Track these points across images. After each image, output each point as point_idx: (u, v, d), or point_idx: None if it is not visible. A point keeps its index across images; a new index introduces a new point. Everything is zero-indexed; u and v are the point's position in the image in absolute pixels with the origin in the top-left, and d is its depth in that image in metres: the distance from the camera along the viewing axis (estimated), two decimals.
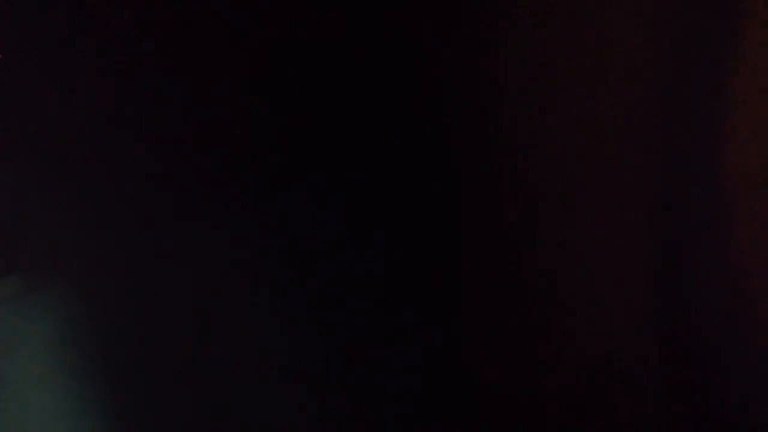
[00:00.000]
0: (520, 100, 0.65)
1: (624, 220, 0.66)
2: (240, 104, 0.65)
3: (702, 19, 0.66)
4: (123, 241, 0.65)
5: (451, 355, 0.66)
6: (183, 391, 0.66)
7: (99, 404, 0.66)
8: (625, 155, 0.66)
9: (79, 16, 0.64)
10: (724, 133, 0.66)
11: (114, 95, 0.64)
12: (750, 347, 0.66)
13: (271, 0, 0.64)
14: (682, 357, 0.67)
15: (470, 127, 0.65)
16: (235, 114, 0.65)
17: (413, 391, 0.66)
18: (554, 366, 0.66)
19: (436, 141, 0.65)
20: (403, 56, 0.64)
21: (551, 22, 0.65)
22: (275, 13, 0.64)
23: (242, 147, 0.65)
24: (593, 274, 0.66)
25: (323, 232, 0.65)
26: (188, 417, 0.66)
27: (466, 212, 0.66)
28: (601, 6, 0.65)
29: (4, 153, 0.66)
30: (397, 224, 0.65)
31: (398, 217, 0.65)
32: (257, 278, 0.65)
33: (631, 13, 0.65)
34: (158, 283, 0.65)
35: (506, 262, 0.66)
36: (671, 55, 0.66)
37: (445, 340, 0.66)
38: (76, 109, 0.65)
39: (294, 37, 0.64)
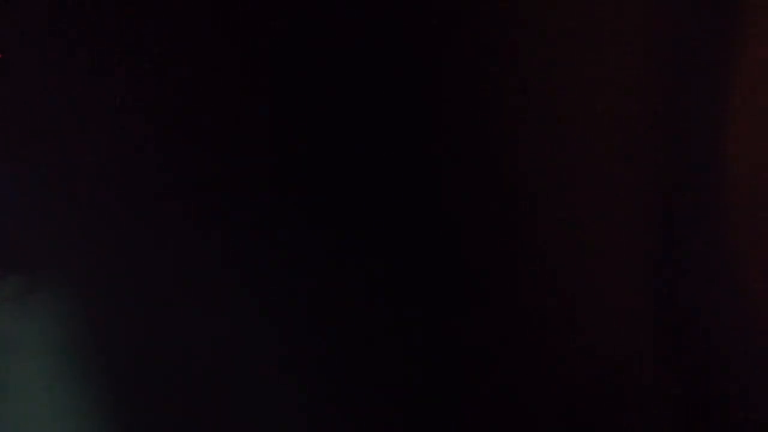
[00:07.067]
0: (521, 99, 0.65)
1: (624, 220, 0.66)
2: (240, 106, 0.65)
3: (702, 18, 0.66)
4: (122, 241, 0.65)
5: (452, 355, 0.66)
6: (183, 391, 0.66)
7: (98, 404, 0.66)
8: (625, 155, 0.66)
9: (80, 16, 0.64)
10: (724, 133, 0.66)
11: (114, 96, 0.64)
12: (750, 347, 0.66)
13: (270, 1, 0.64)
14: (682, 356, 0.67)
15: (471, 127, 0.65)
16: (237, 116, 0.65)
17: (414, 390, 0.66)
18: (555, 366, 0.66)
19: (437, 141, 0.65)
20: (403, 58, 0.64)
21: (552, 22, 0.65)
22: (275, 14, 0.64)
23: (243, 148, 0.65)
24: (594, 274, 0.66)
25: (323, 232, 0.65)
26: (188, 417, 0.66)
27: (467, 213, 0.66)
28: (602, 6, 0.65)
29: (4, 153, 0.66)
30: (397, 225, 0.65)
31: (399, 218, 0.65)
32: (257, 278, 0.65)
33: (631, 13, 0.65)
34: (158, 283, 0.65)
35: (507, 262, 0.66)
36: (672, 54, 0.66)
37: (444, 339, 0.66)
38: (76, 109, 0.65)
39: (295, 39, 0.64)
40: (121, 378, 0.66)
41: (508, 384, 0.66)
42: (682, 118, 0.66)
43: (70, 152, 0.65)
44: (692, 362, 0.67)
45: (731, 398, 0.67)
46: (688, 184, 0.66)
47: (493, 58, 0.65)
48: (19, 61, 0.64)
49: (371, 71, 0.64)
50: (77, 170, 0.65)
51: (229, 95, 0.64)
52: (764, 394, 0.66)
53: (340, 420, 0.66)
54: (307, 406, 0.66)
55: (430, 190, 0.65)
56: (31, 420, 0.66)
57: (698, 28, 0.66)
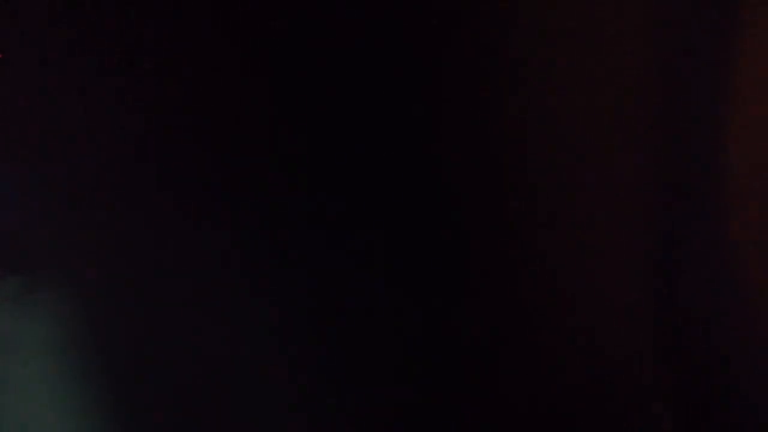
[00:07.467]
0: (522, 99, 0.65)
1: (624, 220, 0.66)
2: (241, 105, 0.65)
3: (702, 18, 0.66)
4: (122, 241, 0.65)
5: (451, 354, 0.66)
6: (183, 390, 0.66)
7: (98, 404, 0.66)
8: (625, 155, 0.66)
9: (80, 16, 0.64)
10: (724, 133, 0.66)
11: (114, 96, 0.64)
12: (750, 347, 0.66)
13: (270, 1, 0.64)
14: (682, 356, 0.67)
15: (471, 127, 0.65)
16: (238, 116, 0.65)
17: (414, 390, 0.66)
18: (555, 365, 0.66)
19: (437, 141, 0.65)
20: (404, 58, 0.64)
21: (552, 22, 0.65)
22: (275, 14, 0.64)
23: (243, 148, 0.65)
24: (594, 274, 0.66)
25: (324, 231, 0.65)
26: (188, 416, 0.66)
27: (468, 213, 0.66)
28: (602, 6, 0.65)
29: (4, 153, 0.66)
30: (397, 225, 0.65)
31: (399, 217, 0.65)
32: (257, 278, 0.65)
33: (631, 13, 0.65)
34: (158, 283, 0.66)
35: (507, 262, 0.66)
36: (672, 54, 0.66)
37: (444, 339, 0.66)
38: (76, 109, 0.65)
39: (295, 39, 0.64)
40: (121, 378, 0.66)
41: (508, 384, 0.66)
42: (682, 118, 0.66)
43: (70, 152, 0.65)
44: (692, 362, 0.67)
45: (731, 398, 0.67)
46: (688, 184, 0.66)
47: (493, 58, 0.65)
48: (19, 61, 0.64)
49: (371, 71, 0.64)
50: (77, 170, 0.65)
51: (229, 95, 0.64)
52: (764, 394, 0.66)
53: (341, 420, 0.66)
54: (307, 406, 0.66)
55: (430, 190, 0.65)
56: (31, 420, 0.66)
57: (698, 28, 0.66)
